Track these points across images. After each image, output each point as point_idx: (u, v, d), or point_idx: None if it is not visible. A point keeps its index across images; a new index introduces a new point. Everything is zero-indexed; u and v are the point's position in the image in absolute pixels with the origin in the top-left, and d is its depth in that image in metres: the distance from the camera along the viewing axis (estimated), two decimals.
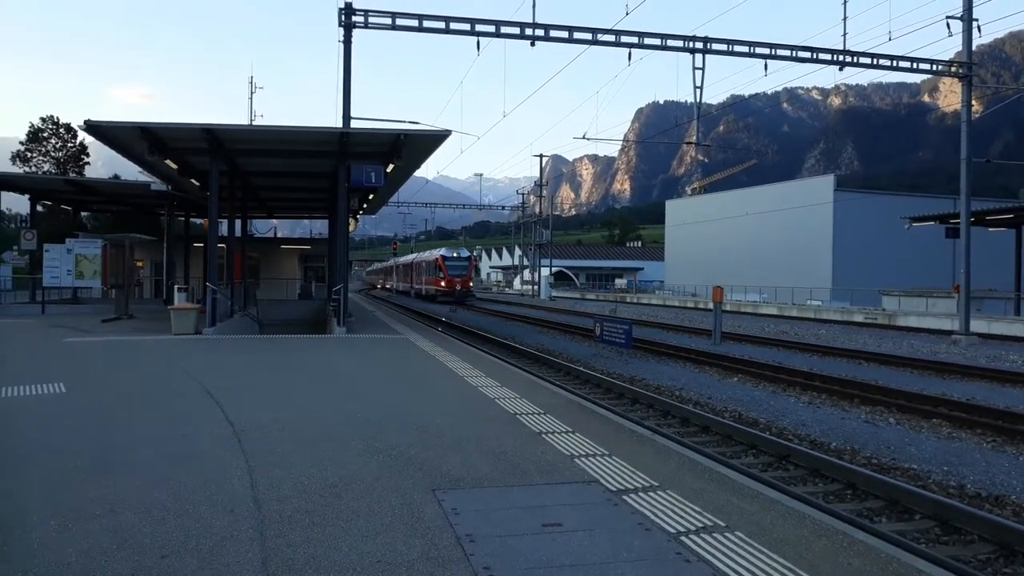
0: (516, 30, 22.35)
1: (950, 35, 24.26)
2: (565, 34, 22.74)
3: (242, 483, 5.79)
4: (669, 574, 4.20)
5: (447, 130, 19.25)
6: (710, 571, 4.21)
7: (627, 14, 22.61)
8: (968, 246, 24.73)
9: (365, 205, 30.60)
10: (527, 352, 20.54)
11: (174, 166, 21.03)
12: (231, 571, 4.10)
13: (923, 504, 7.16)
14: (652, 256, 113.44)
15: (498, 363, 14.84)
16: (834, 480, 8.26)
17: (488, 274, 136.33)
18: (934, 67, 26.09)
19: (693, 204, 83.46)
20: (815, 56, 24.21)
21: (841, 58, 24.19)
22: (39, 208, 36.16)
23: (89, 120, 17.18)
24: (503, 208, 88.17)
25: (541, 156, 72.00)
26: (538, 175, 74.22)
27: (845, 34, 24.09)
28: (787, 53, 24.09)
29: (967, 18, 24.00)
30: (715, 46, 23.65)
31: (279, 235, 54.62)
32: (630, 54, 23.22)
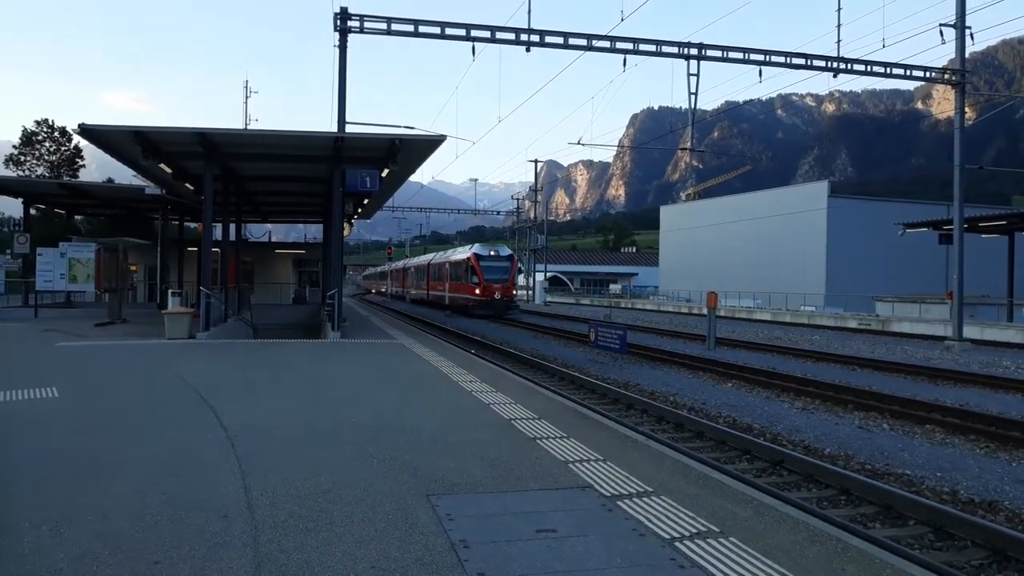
0: (511, 36, 22.39)
1: (943, 42, 24.37)
2: (560, 40, 22.79)
3: (235, 488, 5.77)
4: None
5: (442, 135, 19.26)
6: None
7: (622, 20, 22.72)
8: (961, 252, 24.81)
9: (360, 210, 30.57)
10: (522, 357, 20.52)
11: (168, 170, 20.99)
12: None
13: (917, 510, 7.17)
14: (647, 261, 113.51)
15: (493, 368, 14.83)
16: (828, 486, 8.27)
17: None
18: (927, 74, 26.20)
19: (688, 210, 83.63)
20: (809, 63, 24.31)
21: (835, 65, 24.29)
22: (32, 212, 36.01)
23: (83, 124, 17.14)
24: (498, 213, 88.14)
25: (536, 161, 72.12)
26: (533, 180, 74.27)
27: (839, 41, 24.21)
28: (781, 60, 24.18)
29: (960, 26, 24.11)
30: (709, 52, 23.72)
31: (273, 239, 54.56)
32: (625, 60, 23.28)
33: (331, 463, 6.58)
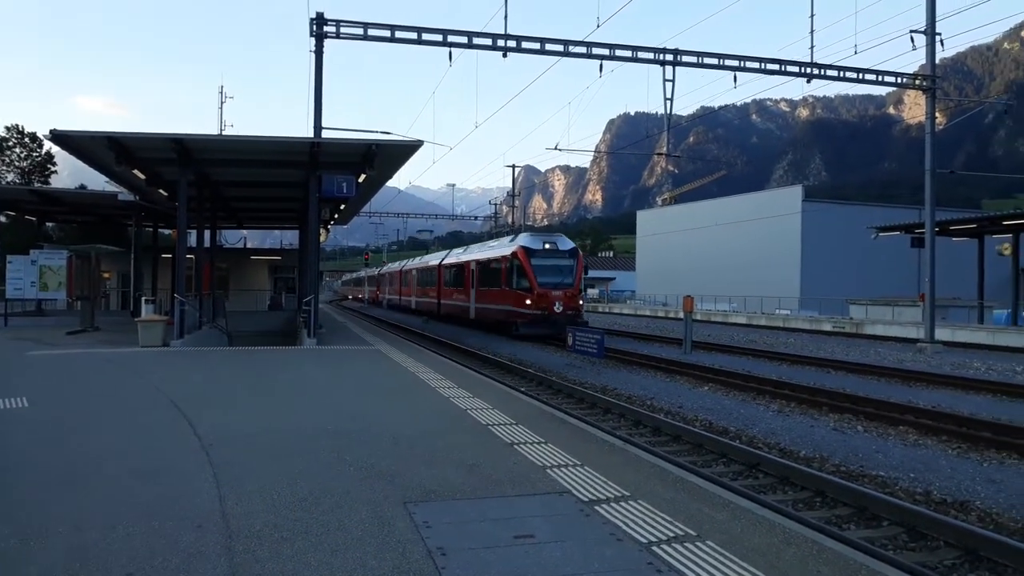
0: (488, 41, 22.40)
1: (914, 48, 24.74)
2: (537, 45, 22.83)
3: (210, 498, 5.71)
4: None
5: (419, 140, 19.23)
6: None
7: (598, 26, 22.79)
8: (933, 255, 25.15)
9: (336, 215, 30.42)
10: (499, 362, 20.51)
11: (142, 176, 20.78)
12: None
13: (891, 511, 7.25)
14: (624, 266, 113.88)
15: (470, 374, 14.80)
16: (804, 488, 8.33)
17: None
18: (899, 80, 26.57)
19: (664, 215, 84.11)
20: (783, 68, 24.54)
21: (809, 70, 24.54)
22: (2, 219, 35.48)
23: (55, 130, 16.91)
24: (475, 218, 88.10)
25: (513, 167, 72.17)
26: (510, 185, 74.39)
27: (812, 47, 24.46)
28: (756, 65, 24.39)
29: (930, 32, 24.48)
30: (685, 58, 23.87)
31: (249, 245, 54.06)
32: (601, 66, 23.36)
33: (307, 471, 6.52)
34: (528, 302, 27.02)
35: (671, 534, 5.02)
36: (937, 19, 24.46)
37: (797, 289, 54.25)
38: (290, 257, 41.86)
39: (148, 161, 20.23)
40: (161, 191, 22.99)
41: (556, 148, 37.77)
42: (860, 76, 25.50)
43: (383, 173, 22.47)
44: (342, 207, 27.41)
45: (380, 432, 8.24)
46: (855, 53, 24.86)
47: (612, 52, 23.24)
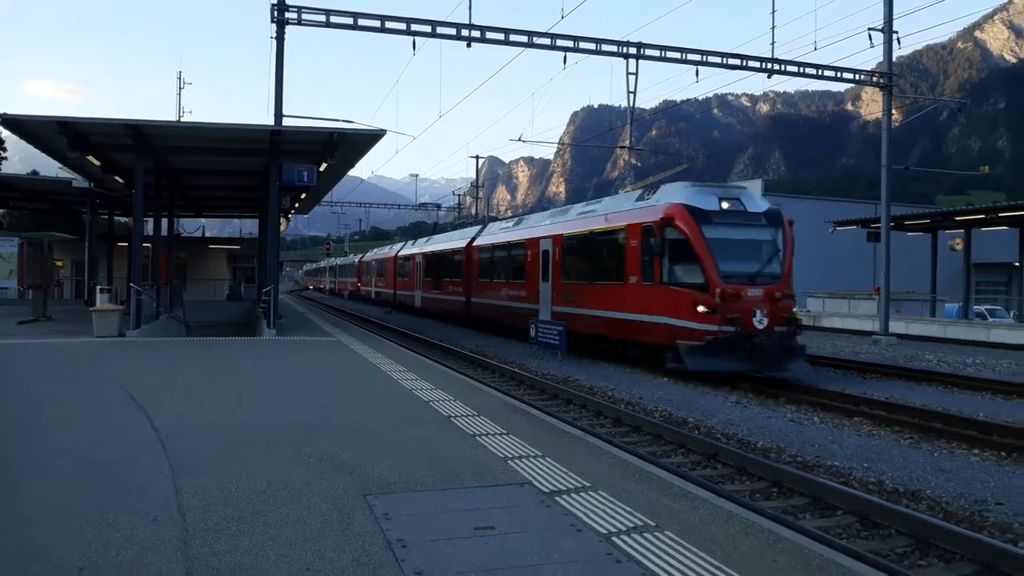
0: (452, 31, 22.27)
1: (872, 46, 25.21)
2: (501, 36, 22.76)
3: (166, 491, 5.62)
4: (600, 575, 4.24)
5: (382, 129, 19.07)
6: (640, 571, 4.26)
7: (562, 17, 22.81)
8: (888, 250, 25.70)
9: (297, 204, 30.07)
10: (462, 354, 20.49)
11: (97, 163, 20.32)
12: None
13: (845, 500, 7.39)
14: None
15: (433, 365, 14.77)
16: (761, 478, 8.46)
17: None
18: (857, 76, 27.02)
19: None
20: (744, 63, 24.80)
21: (769, 66, 24.83)
22: None
23: (5, 114, 16.48)
24: (439, 209, 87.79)
25: (477, 157, 71.99)
26: (474, 176, 74.22)
27: (773, 43, 24.75)
28: (718, 60, 24.60)
29: (888, 30, 24.93)
30: (648, 52, 23.99)
31: (207, 234, 53.26)
32: (565, 57, 23.36)
33: (266, 463, 6.46)
34: (701, 308, 15.24)
35: (630, 524, 5.06)
36: (895, 17, 24.94)
37: None
38: (250, 246, 41.33)
39: (103, 147, 19.79)
40: (117, 178, 22.51)
41: (520, 139, 37.83)
42: (819, 72, 25.86)
43: (345, 162, 22.27)
44: (303, 196, 27.09)
45: (340, 424, 8.18)
46: (815, 49, 25.34)
47: (576, 44, 23.25)
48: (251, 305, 32.57)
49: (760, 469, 8.62)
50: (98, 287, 21.36)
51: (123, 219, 39.86)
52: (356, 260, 66.12)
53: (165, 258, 28.20)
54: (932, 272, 35.23)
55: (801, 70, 25.40)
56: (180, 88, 51.19)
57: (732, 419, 11.84)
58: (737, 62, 24.71)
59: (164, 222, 27.74)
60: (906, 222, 33.52)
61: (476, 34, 22.41)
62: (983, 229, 33.04)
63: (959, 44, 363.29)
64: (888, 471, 8.77)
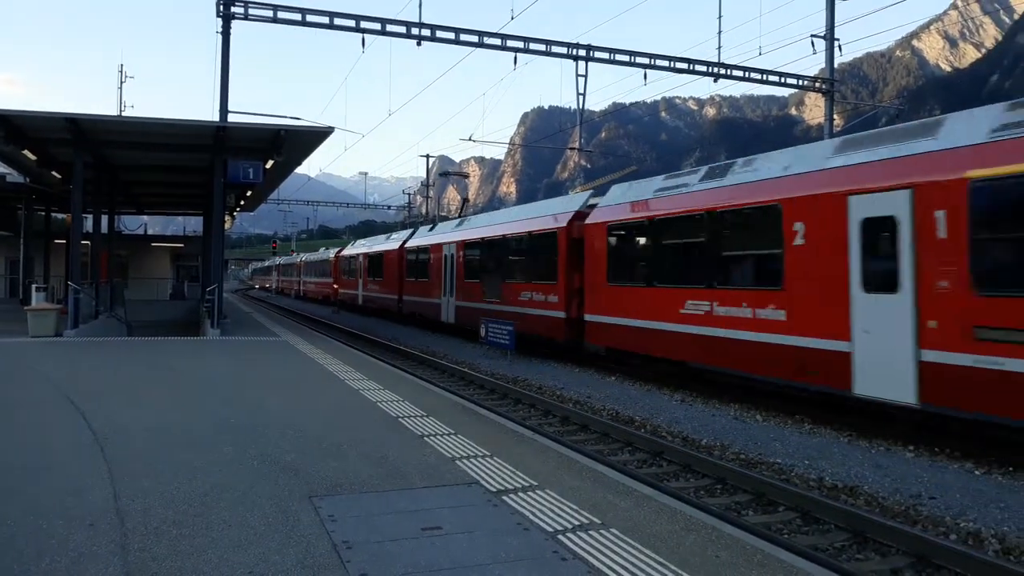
0: (402, 29, 22.18)
1: (814, 52, 25.86)
2: (451, 35, 22.74)
3: (104, 495, 5.48)
4: (546, 573, 4.26)
5: (330, 127, 18.88)
6: (586, 569, 4.31)
7: (512, 18, 22.93)
8: None
9: (243, 202, 29.55)
10: (412, 354, 20.39)
11: (33, 157, 19.71)
12: None
13: (786, 497, 7.57)
14: None
15: (381, 365, 14.67)
16: (705, 476, 8.61)
17: None
18: (800, 82, 27.69)
19: None
20: (692, 67, 25.21)
21: (716, 70, 25.30)
22: None
23: None
24: (389, 208, 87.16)
25: (428, 156, 71.68)
26: (425, 175, 73.88)
27: (720, 48, 25.25)
28: (666, 63, 24.98)
29: (829, 37, 25.59)
30: (597, 54, 24.22)
31: (150, 232, 51.97)
32: (516, 58, 23.48)
33: (209, 466, 6.34)
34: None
35: (576, 522, 5.11)
36: (836, 25, 25.58)
37: None
38: (193, 244, 40.52)
39: (40, 141, 19.20)
40: (55, 173, 21.85)
41: (470, 139, 37.80)
42: (764, 77, 26.44)
43: (292, 159, 21.98)
44: (248, 194, 26.66)
45: (285, 425, 8.07)
46: (760, 55, 25.79)
47: (526, 45, 23.37)
48: (195, 304, 31.95)
49: (704, 466, 8.77)
50: (34, 285, 20.72)
51: (61, 216, 38.67)
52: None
53: (105, 256, 27.50)
54: None
55: (746, 75, 25.95)
56: (121, 82, 49.65)
57: (678, 417, 11.99)
58: (685, 66, 25.12)
59: (104, 219, 27.00)
60: None
61: (426, 33, 22.37)
62: None
63: (897, 52, 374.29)
64: (828, 468, 8.98)
